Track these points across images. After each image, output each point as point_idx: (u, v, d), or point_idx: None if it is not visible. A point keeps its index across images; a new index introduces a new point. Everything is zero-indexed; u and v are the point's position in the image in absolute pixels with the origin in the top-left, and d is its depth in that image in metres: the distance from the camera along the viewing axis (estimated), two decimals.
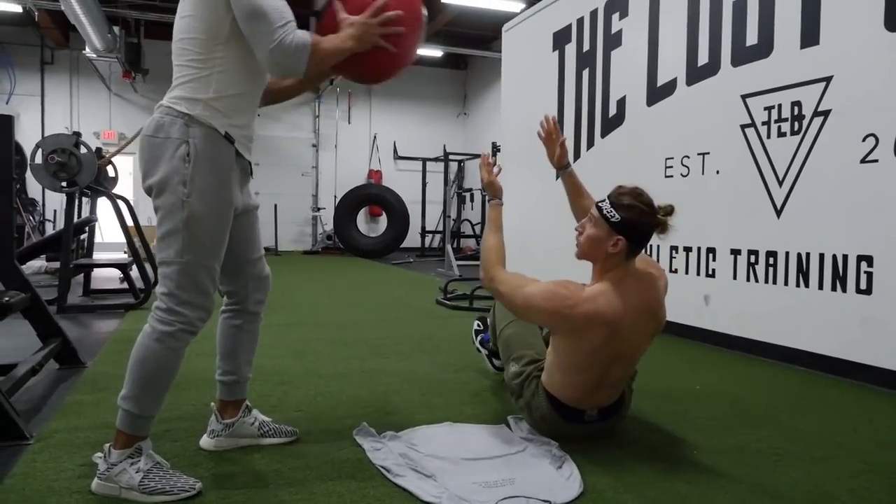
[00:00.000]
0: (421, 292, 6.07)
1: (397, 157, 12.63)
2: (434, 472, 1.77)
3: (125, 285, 5.35)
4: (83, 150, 4.42)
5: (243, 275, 1.90)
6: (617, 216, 1.86)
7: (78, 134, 4.46)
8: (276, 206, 11.35)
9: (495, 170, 2.33)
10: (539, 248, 5.35)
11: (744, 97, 3.42)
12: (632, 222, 1.85)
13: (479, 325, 2.93)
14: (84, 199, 5.70)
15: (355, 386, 2.70)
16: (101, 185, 5.52)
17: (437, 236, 11.75)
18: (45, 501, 1.59)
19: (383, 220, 11.70)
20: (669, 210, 1.90)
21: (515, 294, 1.97)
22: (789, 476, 1.83)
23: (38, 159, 4.32)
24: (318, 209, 12.20)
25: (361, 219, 11.98)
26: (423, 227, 11.56)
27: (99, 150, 5.50)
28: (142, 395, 1.63)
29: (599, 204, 1.92)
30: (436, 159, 11.44)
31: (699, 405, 2.53)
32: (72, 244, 4.72)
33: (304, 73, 1.62)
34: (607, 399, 2.01)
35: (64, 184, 4.37)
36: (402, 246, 11.29)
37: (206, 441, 1.96)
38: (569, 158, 2.40)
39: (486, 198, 2.40)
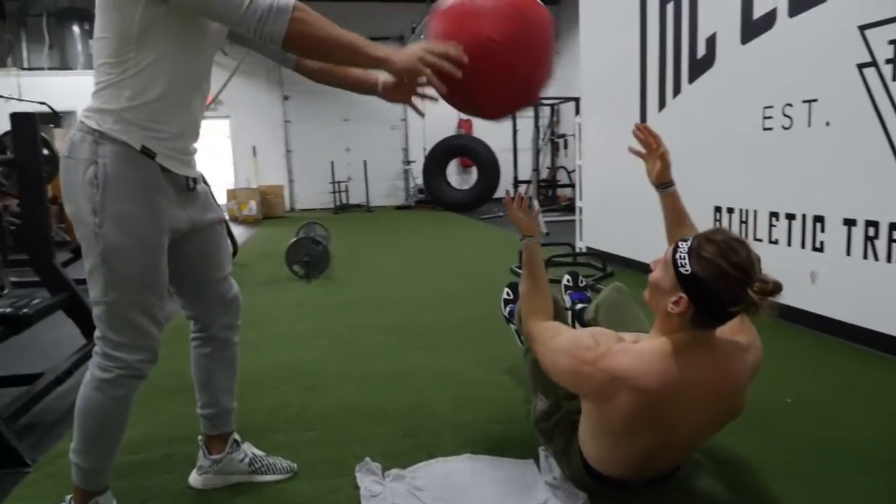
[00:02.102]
0: (499, 256, 5.72)
1: None
2: None
3: None
4: None
5: (205, 298, 1.68)
6: (688, 267, 1.37)
7: None
8: (365, 161, 11.27)
9: (533, 205, 1.93)
10: (621, 210, 4.83)
11: (862, 28, 2.73)
12: (704, 283, 1.35)
13: (508, 294, 2.63)
14: None
15: (384, 394, 2.46)
16: None
17: (532, 186, 11.23)
18: None
19: (476, 172, 11.33)
20: (771, 288, 1.31)
21: (545, 351, 1.63)
22: None
23: None
24: (409, 163, 12.01)
25: (454, 171, 11.68)
26: (516, 177, 11.07)
27: None
28: (89, 450, 1.48)
29: (678, 243, 1.44)
30: None
31: (789, 431, 2.07)
32: None
33: (283, 43, 1.32)
34: (656, 473, 1.62)
35: None
36: (494, 196, 10.92)
37: (194, 478, 1.80)
38: (671, 175, 1.84)
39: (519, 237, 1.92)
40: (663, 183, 1.85)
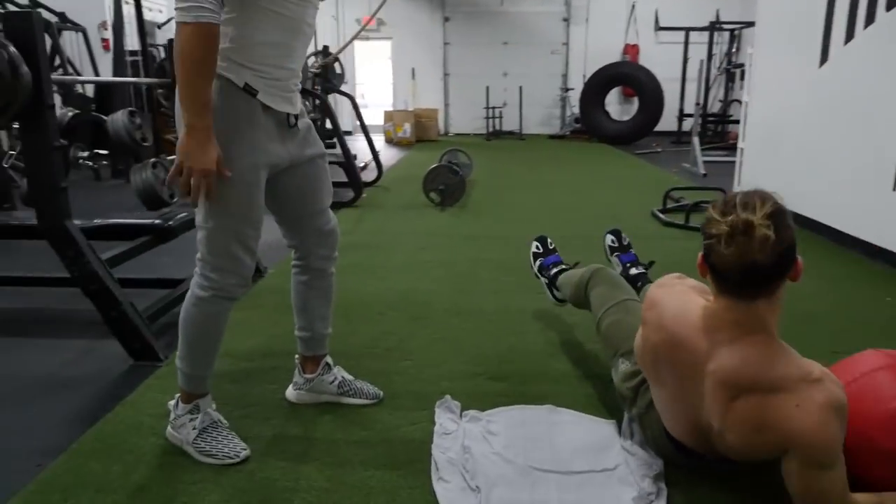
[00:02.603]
0: (645, 196, 5.39)
1: (658, 28, 11.15)
2: (482, 483, 1.52)
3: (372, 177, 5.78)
4: None
5: (304, 229, 1.76)
6: None
7: None
8: (521, 87, 10.99)
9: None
10: (789, 150, 4.32)
11: None
12: (703, 234, 1.30)
13: (537, 248, 2.52)
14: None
15: (486, 333, 2.47)
16: (330, 81, 5.81)
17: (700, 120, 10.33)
18: (125, 440, 1.73)
19: (637, 102, 10.64)
20: (739, 222, 1.20)
21: None
22: None
23: None
24: (567, 90, 11.54)
25: (614, 100, 11.08)
26: (681, 110, 10.25)
27: (326, 47, 5.72)
28: (189, 356, 1.64)
29: None
30: (703, 29, 9.84)
31: None
32: None
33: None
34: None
35: None
36: (656, 130, 10.22)
37: (290, 392, 1.95)
38: None
39: None
40: None
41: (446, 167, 5.01)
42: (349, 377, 1.96)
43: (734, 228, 1.19)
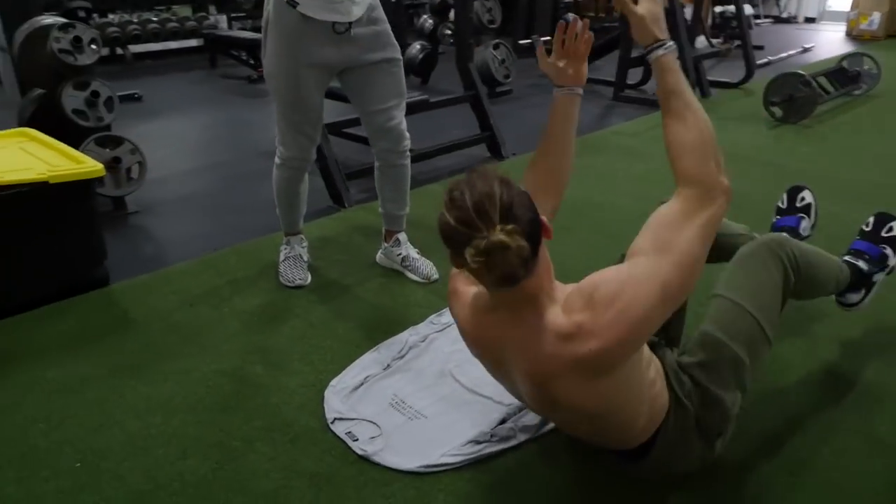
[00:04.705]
0: None
1: None
2: (398, 367, 1.75)
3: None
4: None
5: (367, 123, 2.09)
6: None
7: None
8: None
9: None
10: None
11: None
12: (443, 237, 1.08)
13: (781, 202, 2.08)
14: None
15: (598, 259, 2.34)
16: None
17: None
18: (265, 251, 2.42)
19: None
20: (483, 247, 0.98)
21: None
22: None
23: None
24: None
25: None
26: None
27: None
28: (278, 206, 2.21)
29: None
30: None
31: None
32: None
33: None
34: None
35: None
36: None
37: (378, 254, 2.37)
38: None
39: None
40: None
41: (795, 75, 4.15)
42: (414, 255, 2.26)
43: (484, 253, 0.98)
